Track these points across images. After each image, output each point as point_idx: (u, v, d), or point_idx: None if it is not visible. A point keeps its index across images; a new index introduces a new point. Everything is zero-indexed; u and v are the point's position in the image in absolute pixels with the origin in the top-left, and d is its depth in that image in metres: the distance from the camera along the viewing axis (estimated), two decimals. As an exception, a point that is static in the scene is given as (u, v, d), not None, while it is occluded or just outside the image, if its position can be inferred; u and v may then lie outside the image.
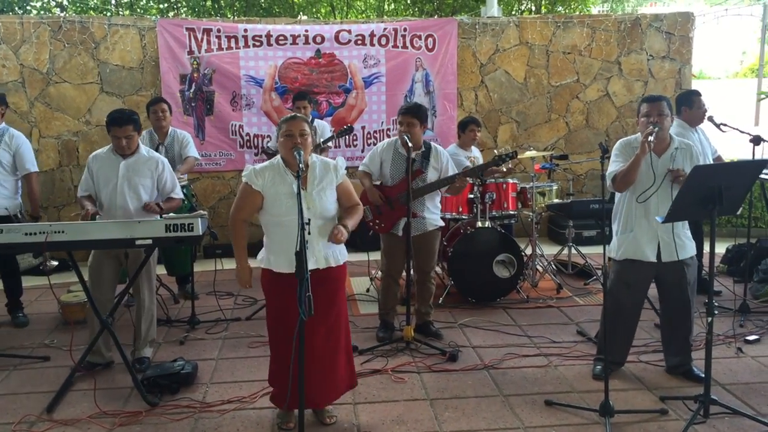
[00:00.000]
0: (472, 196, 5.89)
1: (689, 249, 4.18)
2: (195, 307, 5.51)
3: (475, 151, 6.68)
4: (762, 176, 5.84)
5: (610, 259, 4.30)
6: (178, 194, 4.67)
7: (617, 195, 4.25)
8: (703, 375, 3.79)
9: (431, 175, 4.95)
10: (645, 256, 4.12)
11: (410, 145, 4.71)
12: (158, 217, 4.21)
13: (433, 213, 5.04)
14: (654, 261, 4.11)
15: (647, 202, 4.00)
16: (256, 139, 8.03)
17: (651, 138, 3.84)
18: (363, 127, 8.29)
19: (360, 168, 5.16)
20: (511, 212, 6.16)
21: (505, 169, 6.39)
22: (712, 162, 5.43)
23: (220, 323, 5.46)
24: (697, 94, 5.64)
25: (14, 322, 5.53)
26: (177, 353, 4.79)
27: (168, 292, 6.15)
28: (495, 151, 5.51)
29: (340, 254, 3.65)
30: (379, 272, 5.31)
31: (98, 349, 4.43)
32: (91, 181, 4.48)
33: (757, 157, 5.36)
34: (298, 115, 3.67)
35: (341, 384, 3.76)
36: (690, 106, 5.53)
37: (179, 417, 3.86)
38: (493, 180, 6.06)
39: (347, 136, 7.89)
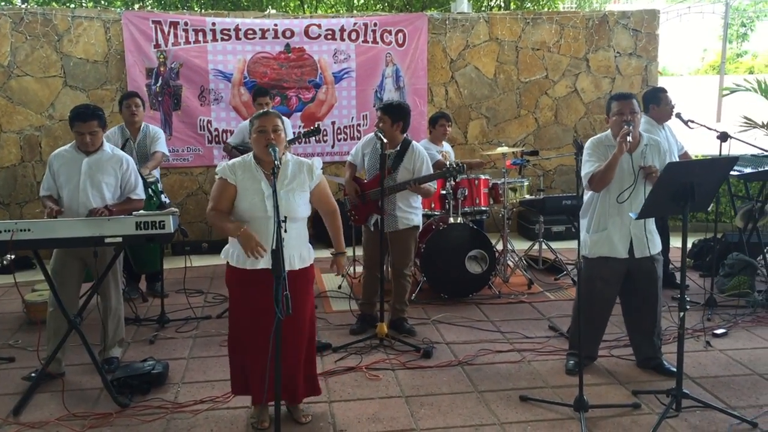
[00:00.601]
0: (444, 192, 5.89)
1: (658, 244, 4.25)
2: (165, 305, 5.42)
3: (446, 146, 6.69)
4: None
5: (583, 257, 4.33)
6: (139, 195, 4.50)
7: (587, 193, 4.28)
8: (674, 369, 3.85)
9: (402, 175, 4.92)
10: (618, 253, 4.16)
11: (384, 141, 4.69)
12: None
13: (405, 212, 4.97)
14: (626, 257, 4.16)
15: (621, 199, 4.03)
16: (224, 134, 7.90)
17: (629, 138, 3.87)
18: (333, 123, 8.22)
19: (348, 158, 5.29)
20: (483, 208, 6.18)
21: (456, 180, 6.28)
22: (677, 158, 5.50)
23: (190, 321, 5.38)
24: (663, 91, 5.71)
25: None
26: (147, 353, 4.71)
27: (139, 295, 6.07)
28: (447, 162, 5.55)
29: (305, 256, 3.60)
30: (351, 269, 5.30)
31: (57, 356, 4.24)
32: (52, 179, 4.33)
33: (723, 153, 5.45)
34: (270, 110, 3.63)
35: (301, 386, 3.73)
36: (657, 104, 5.59)
37: (151, 418, 3.79)
38: (465, 176, 6.06)
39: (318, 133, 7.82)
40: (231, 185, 3.49)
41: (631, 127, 3.93)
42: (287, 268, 3.44)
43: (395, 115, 4.86)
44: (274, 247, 3.06)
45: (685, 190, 3.51)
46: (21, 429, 3.68)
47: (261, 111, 3.62)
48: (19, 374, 4.35)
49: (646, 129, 5.60)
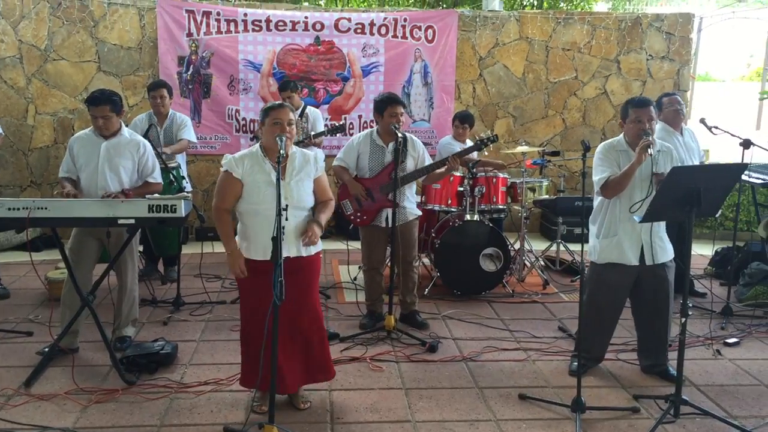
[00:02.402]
0: (461, 188, 5.90)
1: (669, 252, 4.20)
2: (181, 288, 5.54)
3: (469, 144, 6.69)
4: (752, 180, 5.88)
5: (591, 262, 4.32)
6: (156, 179, 4.61)
7: (597, 198, 4.25)
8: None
9: (410, 164, 4.97)
10: (628, 260, 4.12)
11: (400, 135, 4.73)
12: None
13: (411, 202, 5.08)
14: (636, 264, 4.13)
15: (630, 204, 3.99)
16: (252, 123, 8.03)
17: (650, 150, 3.81)
18: (360, 116, 8.28)
19: (335, 163, 5.12)
20: (500, 206, 6.17)
21: (490, 159, 6.41)
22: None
23: (204, 306, 5.50)
24: (666, 95, 5.65)
25: None
26: (159, 334, 4.83)
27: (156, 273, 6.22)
28: (477, 135, 5.51)
29: (313, 245, 3.66)
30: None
31: (75, 330, 4.40)
32: (72, 162, 4.47)
33: (747, 160, 5.36)
34: (285, 103, 3.70)
35: (314, 372, 3.78)
36: (660, 108, 5.53)
37: (155, 396, 3.90)
38: (483, 174, 6.07)
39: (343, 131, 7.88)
40: (236, 180, 3.55)
41: (651, 138, 3.89)
42: (294, 254, 3.53)
43: (405, 107, 4.92)
44: (274, 234, 3.13)
45: (691, 195, 3.47)
46: (30, 400, 3.82)
47: (276, 102, 3.70)
48: (35, 348, 4.51)
49: (661, 136, 5.55)
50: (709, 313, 5.40)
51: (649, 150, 3.83)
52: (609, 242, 4.16)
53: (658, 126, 5.60)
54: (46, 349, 4.32)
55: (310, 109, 6.72)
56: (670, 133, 5.43)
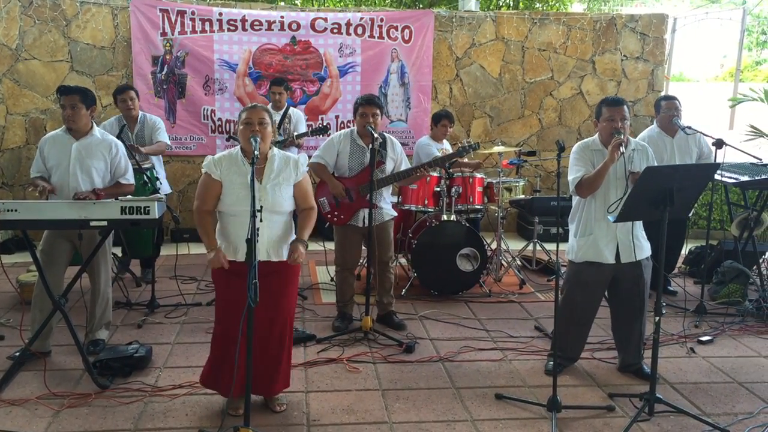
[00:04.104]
0: (438, 189, 5.91)
1: (646, 250, 4.23)
2: (156, 291, 5.48)
3: (446, 144, 6.70)
4: (725, 179, 5.95)
5: (569, 261, 4.35)
6: (129, 180, 4.55)
7: (575, 198, 4.27)
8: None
9: (389, 166, 4.98)
10: (604, 258, 4.15)
11: (375, 135, 4.72)
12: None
13: (387, 203, 5.10)
14: (612, 262, 4.15)
15: (606, 203, 4.03)
16: (228, 124, 7.98)
17: (622, 149, 3.85)
18: (337, 117, 8.27)
19: (313, 160, 5.01)
20: (477, 206, 6.18)
21: (467, 160, 6.43)
22: None
23: (179, 308, 5.44)
24: (665, 98, 5.72)
25: None
26: (134, 336, 4.77)
27: (130, 275, 6.14)
28: (459, 142, 5.53)
29: (282, 252, 3.62)
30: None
31: (46, 333, 4.32)
32: (42, 163, 4.39)
33: (719, 160, 5.42)
34: (258, 104, 3.67)
35: (278, 379, 3.74)
36: (658, 111, 5.62)
37: (129, 400, 3.85)
38: (460, 174, 6.08)
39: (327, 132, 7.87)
40: (216, 182, 3.53)
41: (623, 137, 3.92)
42: (264, 259, 3.50)
43: (382, 107, 4.91)
44: (249, 237, 3.11)
45: (664, 194, 3.50)
46: (1, 405, 3.75)
47: (250, 104, 3.68)
48: (6, 353, 4.43)
49: (650, 135, 5.61)
50: (683, 311, 5.46)
51: (621, 149, 3.86)
52: (585, 241, 4.18)
53: (651, 127, 5.69)
54: (17, 354, 4.25)
55: (293, 110, 6.72)
56: (661, 135, 5.49)
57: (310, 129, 6.30)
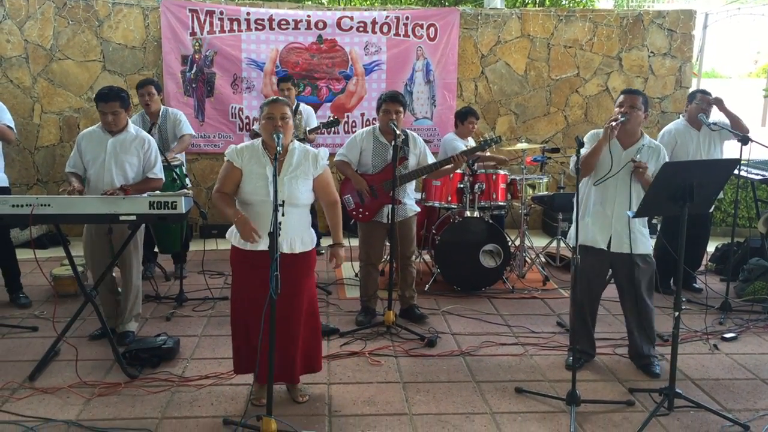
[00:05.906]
0: (461, 185, 5.95)
1: (641, 246, 4.19)
2: (184, 285, 5.61)
3: (472, 141, 6.73)
4: (751, 176, 5.90)
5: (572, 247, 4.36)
6: (157, 174, 4.67)
7: (581, 184, 4.29)
8: (658, 372, 4.01)
9: (412, 162, 5.03)
10: (596, 243, 4.20)
11: (398, 132, 4.78)
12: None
13: (411, 199, 5.16)
14: (604, 248, 4.18)
15: (605, 190, 4.10)
16: (255, 122, 8.08)
17: (613, 124, 3.92)
18: (362, 114, 8.34)
19: (337, 158, 5.13)
20: (501, 203, 6.20)
21: (489, 154, 6.47)
22: None
23: (207, 302, 5.56)
24: (701, 91, 5.73)
25: (16, 303, 5.43)
26: (162, 329, 4.89)
27: (160, 270, 6.28)
28: (481, 136, 5.56)
29: (306, 240, 3.70)
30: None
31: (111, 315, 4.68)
32: (79, 158, 4.58)
33: (746, 156, 5.38)
34: (280, 98, 3.73)
35: (300, 366, 3.82)
36: (690, 101, 5.68)
37: (157, 390, 3.96)
38: (483, 171, 6.11)
39: (338, 124, 7.95)
40: (237, 168, 3.62)
41: (622, 118, 3.99)
42: (288, 250, 3.59)
43: (405, 104, 4.96)
44: (271, 230, 3.19)
45: (683, 190, 3.51)
46: (34, 393, 3.89)
47: (271, 98, 3.74)
48: (40, 343, 4.58)
49: (675, 129, 5.63)
50: (705, 308, 5.42)
51: (613, 124, 3.95)
52: (581, 225, 4.22)
53: (678, 120, 5.72)
54: (97, 332, 4.64)
55: (303, 107, 6.81)
56: (687, 128, 5.53)
57: (321, 123, 6.37)
